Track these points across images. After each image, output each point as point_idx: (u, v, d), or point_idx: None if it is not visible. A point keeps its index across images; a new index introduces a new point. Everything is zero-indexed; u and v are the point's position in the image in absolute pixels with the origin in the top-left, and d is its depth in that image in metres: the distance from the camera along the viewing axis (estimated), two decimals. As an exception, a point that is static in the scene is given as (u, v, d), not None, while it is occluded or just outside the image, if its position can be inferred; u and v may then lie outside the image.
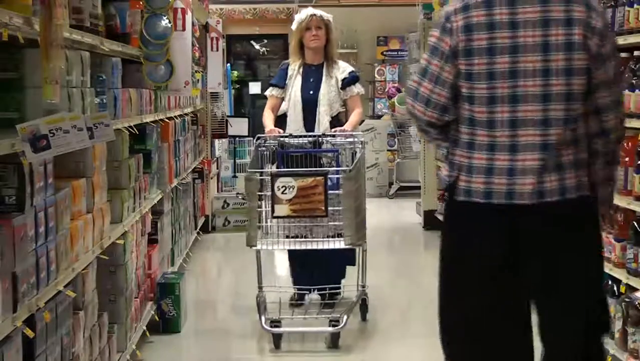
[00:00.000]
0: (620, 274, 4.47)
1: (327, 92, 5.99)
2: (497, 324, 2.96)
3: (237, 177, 10.67)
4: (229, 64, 12.25)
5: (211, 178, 9.72)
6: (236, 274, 7.58)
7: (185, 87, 6.07)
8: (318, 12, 6.15)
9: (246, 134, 10.57)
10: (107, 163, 4.23)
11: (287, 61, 6.23)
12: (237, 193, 9.52)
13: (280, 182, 5.14)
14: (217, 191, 10.29)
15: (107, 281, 4.39)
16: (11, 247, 2.75)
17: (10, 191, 2.90)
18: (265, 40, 15.03)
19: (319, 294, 5.91)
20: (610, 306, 4.65)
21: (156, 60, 5.42)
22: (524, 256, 2.90)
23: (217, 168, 10.48)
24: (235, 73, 14.17)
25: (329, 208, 5.21)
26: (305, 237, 5.43)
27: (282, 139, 5.73)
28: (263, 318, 5.23)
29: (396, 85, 13.47)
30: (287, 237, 5.42)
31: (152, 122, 5.54)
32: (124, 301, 4.50)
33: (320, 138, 5.73)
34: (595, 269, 3.01)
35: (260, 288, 5.49)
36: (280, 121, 6.04)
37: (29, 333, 2.89)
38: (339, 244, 5.30)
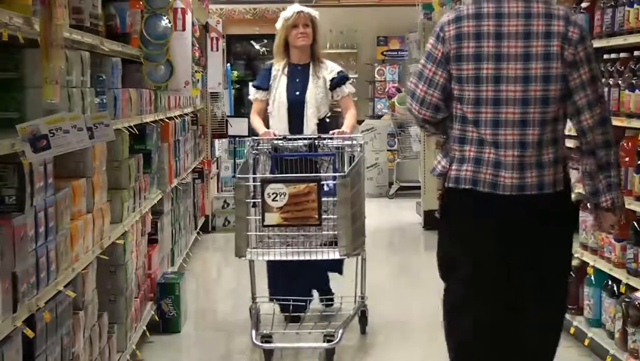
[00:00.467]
0: (620, 274, 4.47)
1: (315, 93, 5.66)
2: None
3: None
4: (229, 64, 12.24)
5: (211, 178, 9.73)
6: (236, 274, 7.57)
7: (185, 87, 6.06)
8: (305, 8, 5.76)
9: (246, 134, 10.53)
10: (107, 163, 4.23)
11: (271, 62, 5.89)
12: None
13: (270, 188, 4.81)
14: (217, 191, 10.29)
15: (107, 281, 4.39)
16: (11, 247, 2.75)
17: (10, 191, 2.90)
18: (265, 40, 15.00)
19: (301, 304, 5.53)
20: (610, 306, 4.66)
21: (156, 60, 5.42)
22: (511, 244, 3.24)
23: (217, 168, 10.48)
24: (235, 73, 14.16)
25: (326, 216, 4.94)
26: (293, 245, 5.05)
27: (276, 142, 5.45)
28: (254, 333, 4.96)
29: (396, 85, 13.46)
30: (274, 245, 5.07)
31: (152, 122, 5.54)
32: (124, 301, 4.50)
33: (316, 141, 5.44)
34: (567, 261, 3.45)
35: (253, 299, 5.29)
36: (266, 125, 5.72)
37: (29, 333, 2.89)
38: (333, 254, 4.97)
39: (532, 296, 3.31)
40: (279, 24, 5.78)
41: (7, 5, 2.75)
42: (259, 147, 5.44)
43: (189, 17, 6.36)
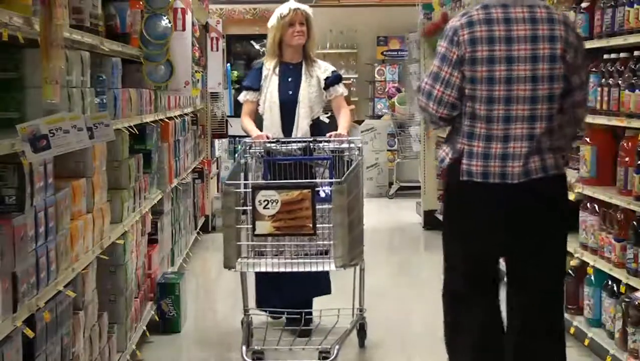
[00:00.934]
0: (620, 274, 4.47)
1: (308, 92, 5.44)
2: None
3: (236, 177, 10.64)
4: (229, 64, 12.24)
5: (211, 178, 9.72)
6: (236, 275, 7.52)
7: (185, 87, 6.05)
8: (301, 5, 5.51)
9: (246, 134, 10.54)
10: (107, 163, 4.23)
11: (260, 60, 5.68)
12: None
13: (261, 195, 4.51)
14: (217, 191, 10.27)
15: (107, 281, 4.39)
16: (11, 247, 2.75)
17: (10, 191, 2.90)
18: (265, 41, 15.03)
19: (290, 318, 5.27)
20: (610, 306, 4.66)
21: (156, 60, 5.42)
22: (517, 235, 3.55)
23: (217, 168, 10.47)
24: (235, 73, 14.14)
25: (321, 225, 4.67)
26: (284, 254, 4.81)
27: (269, 145, 5.21)
28: (244, 349, 4.77)
29: (396, 85, 13.45)
30: (263, 254, 4.83)
31: (152, 122, 5.54)
32: (124, 301, 4.50)
33: (312, 144, 5.19)
34: (564, 243, 3.72)
35: (245, 311, 5.10)
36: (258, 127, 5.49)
37: (29, 333, 2.89)
38: (328, 266, 4.71)
39: (532, 272, 3.63)
40: (272, 21, 5.54)
41: (7, 5, 2.75)
42: (250, 150, 5.23)
43: (189, 17, 6.35)
